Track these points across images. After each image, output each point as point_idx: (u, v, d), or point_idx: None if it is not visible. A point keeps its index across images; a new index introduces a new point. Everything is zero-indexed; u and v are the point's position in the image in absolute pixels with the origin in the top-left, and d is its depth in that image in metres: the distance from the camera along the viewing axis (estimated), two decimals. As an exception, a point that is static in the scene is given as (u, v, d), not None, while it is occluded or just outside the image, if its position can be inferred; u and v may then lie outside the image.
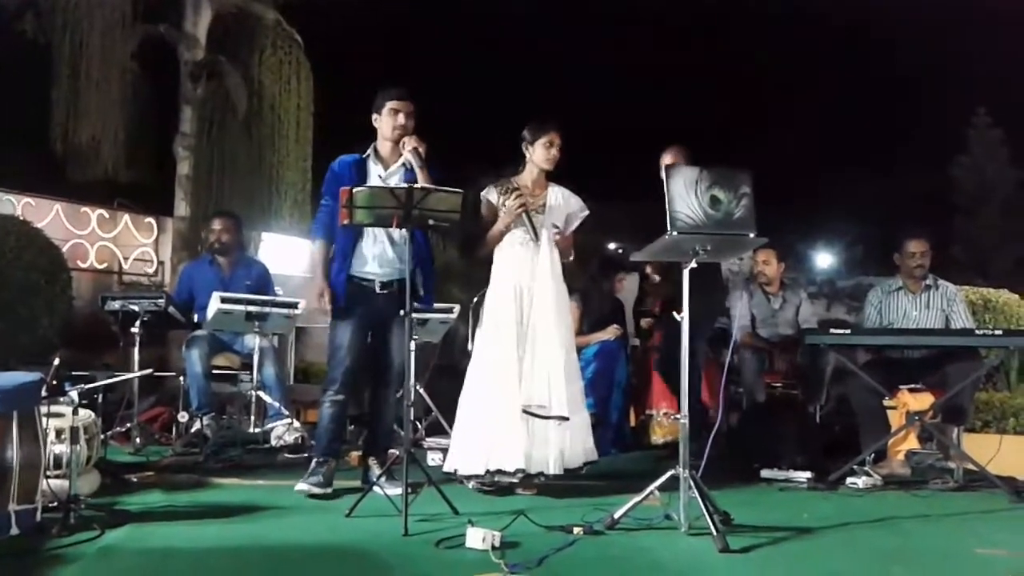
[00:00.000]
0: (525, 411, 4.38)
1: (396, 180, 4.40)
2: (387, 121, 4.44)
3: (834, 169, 21.35)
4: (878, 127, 21.69)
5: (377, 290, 4.43)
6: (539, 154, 4.59)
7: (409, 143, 4.34)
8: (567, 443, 4.42)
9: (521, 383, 4.43)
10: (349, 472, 4.71)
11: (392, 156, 4.48)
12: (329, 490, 4.28)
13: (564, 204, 4.70)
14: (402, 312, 4.03)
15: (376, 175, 4.44)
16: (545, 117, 4.66)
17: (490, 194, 4.65)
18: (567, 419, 4.40)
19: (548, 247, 4.58)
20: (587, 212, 4.76)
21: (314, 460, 4.40)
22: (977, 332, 5.25)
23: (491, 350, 4.53)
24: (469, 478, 4.46)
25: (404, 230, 4.00)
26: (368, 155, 4.49)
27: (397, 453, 3.98)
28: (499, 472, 4.37)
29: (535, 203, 4.64)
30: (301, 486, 4.24)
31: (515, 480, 4.40)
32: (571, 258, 4.76)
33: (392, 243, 4.42)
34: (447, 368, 4.79)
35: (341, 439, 4.63)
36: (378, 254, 4.43)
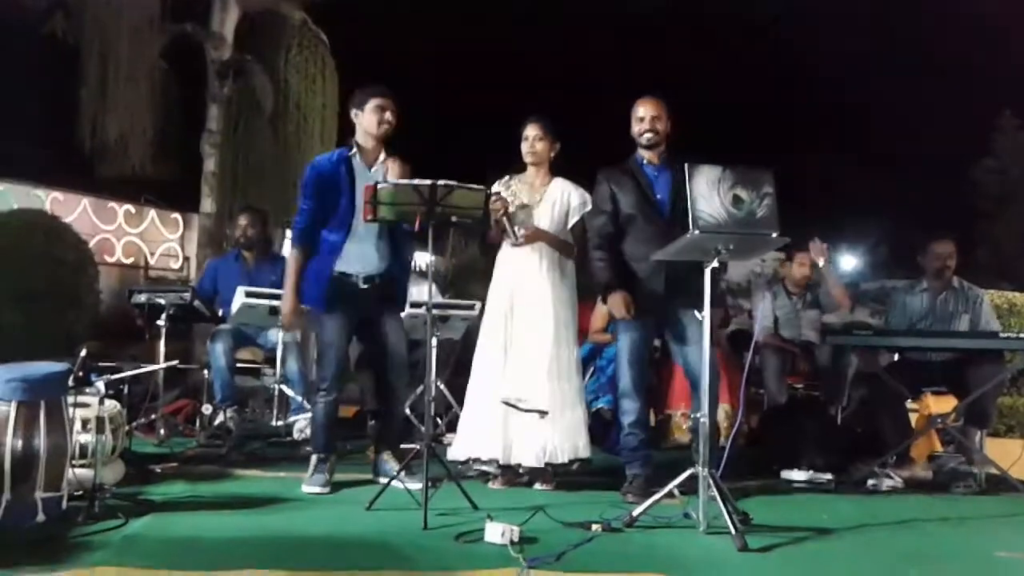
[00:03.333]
0: (504, 402, 4.45)
1: (379, 178, 4.41)
2: (372, 118, 4.44)
3: (858, 170, 21.20)
4: (903, 128, 21.50)
5: (361, 285, 4.45)
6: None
7: (393, 169, 4.37)
8: (550, 437, 4.44)
9: (505, 377, 4.51)
10: (368, 465, 4.74)
11: (374, 152, 4.50)
12: (328, 488, 4.31)
13: (563, 199, 4.69)
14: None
15: (362, 174, 4.45)
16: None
17: (498, 190, 4.66)
18: (546, 413, 4.43)
19: (537, 246, 4.61)
20: (591, 207, 4.70)
21: (315, 457, 4.43)
22: (1001, 335, 5.21)
23: (482, 345, 4.67)
24: (454, 463, 4.52)
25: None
26: (353, 152, 4.49)
27: (417, 447, 4.00)
28: (476, 460, 4.50)
29: (533, 197, 4.68)
30: (310, 488, 4.27)
31: (491, 470, 4.50)
32: (575, 254, 4.71)
33: (374, 238, 4.44)
34: (468, 364, 4.81)
35: (337, 434, 4.65)
36: (360, 250, 4.44)
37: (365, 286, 4.46)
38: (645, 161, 4.53)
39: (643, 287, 4.42)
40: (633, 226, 4.48)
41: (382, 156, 4.51)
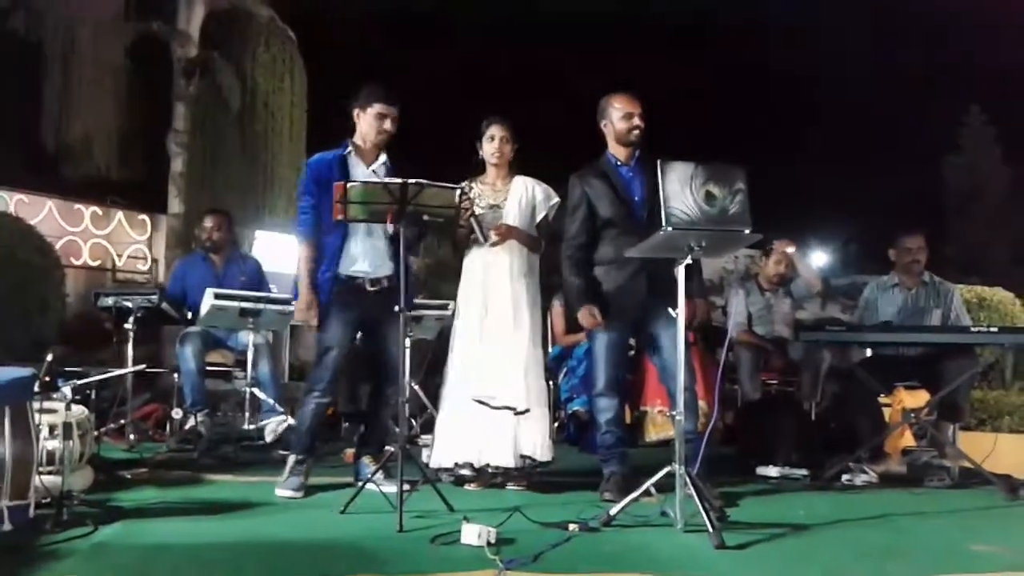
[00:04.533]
0: (475, 400, 4.44)
1: (379, 177, 4.37)
2: (372, 123, 4.39)
3: (826, 167, 21.39)
4: (871, 125, 21.70)
5: (368, 288, 4.40)
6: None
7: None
8: (523, 435, 4.44)
9: (476, 377, 4.50)
10: (343, 469, 4.70)
11: (372, 152, 4.45)
12: (303, 492, 4.24)
13: (528, 195, 4.67)
14: (396, 308, 4.00)
15: (359, 172, 4.39)
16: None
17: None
18: (523, 411, 4.42)
19: (508, 244, 4.58)
20: (556, 201, 4.69)
21: (293, 458, 4.34)
22: (972, 330, 5.25)
23: (456, 347, 4.64)
24: (439, 471, 4.51)
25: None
26: (349, 151, 4.44)
27: (392, 450, 3.96)
28: (457, 465, 4.49)
29: (498, 198, 4.65)
30: (283, 492, 4.19)
31: (467, 473, 4.48)
32: (540, 250, 4.70)
33: (382, 238, 4.38)
34: (442, 365, 4.79)
35: (319, 437, 4.59)
36: (367, 251, 4.40)
37: (372, 288, 4.40)
38: (619, 162, 4.49)
39: (621, 290, 4.40)
40: (610, 229, 4.43)
41: (383, 157, 4.44)
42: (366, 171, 4.40)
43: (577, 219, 4.48)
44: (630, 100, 4.47)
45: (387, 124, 4.39)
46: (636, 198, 4.41)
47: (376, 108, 4.39)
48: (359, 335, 4.60)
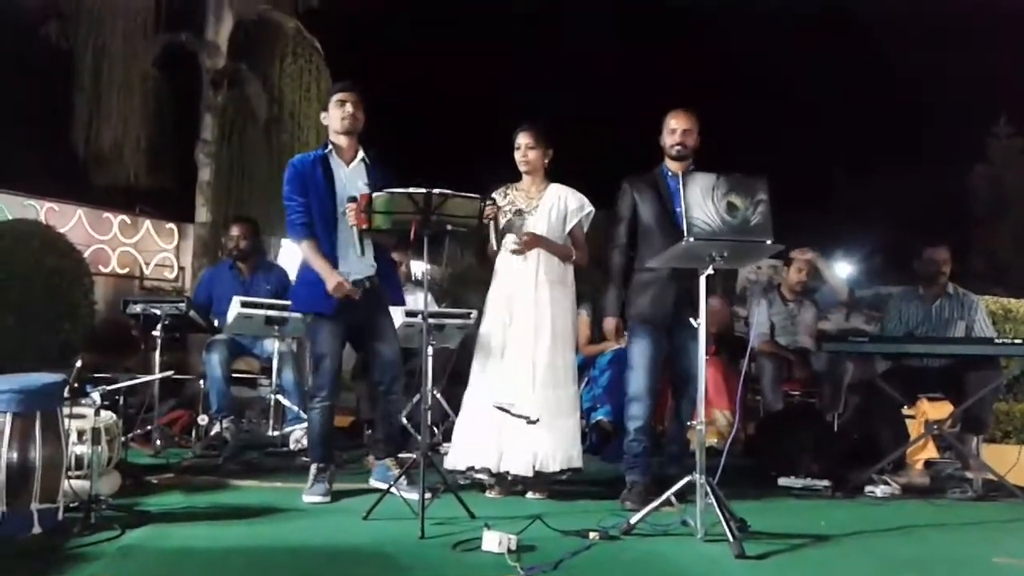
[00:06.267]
0: (497, 407, 4.45)
1: (358, 176, 4.44)
2: (334, 113, 4.46)
3: (852, 178, 21.23)
4: (897, 135, 21.52)
5: None
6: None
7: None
8: (541, 446, 4.44)
9: (499, 382, 4.52)
10: (366, 475, 4.73)
11: (349, 151, 4.50)
12: (329, 497, 4.29)
13: (560, 204, 4.68)
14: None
15: (341, 171, 4.45)
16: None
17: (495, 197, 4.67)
18: (534, 421, 4.41)
19: (535, 253, 4.60)
20: (590, 210, 4.71)
21: (315, 467, 4.40)
22: (997, 341, 5.22)
23: (479, 353, 4.67)
24: (453, 473, 4.53)
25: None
26: (329, 151, 4.48)
27: (414, 457, 3.99)
28: (471, 469, 4.50)
29: (530, 204, 4.68)
30: (311, 498, 4.25)
31: (484, 478, 4.49)
32: (573, 259, 4.70)
33: (356, 239, 4.40)
34: (464, 373, 4.81)
35: (335, 444, 4.63)
36: (347, 255, 4.42)
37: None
38: (670, 173, 4.58)
39: (657, 297, 4.51)
40: (651, 236, 4.54)
41: (360, 153, 4.50)
42: (345, 170, 4.45)
43: (623, 223, 4.65)
44: (677, 116, 4.61)
45: (348, 108, 4.43)
46: (678, 209, 4.46)
47: (335, 97, 4.48)
48: (349, 339, 4.62)
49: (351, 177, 4.44)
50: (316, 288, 4.34)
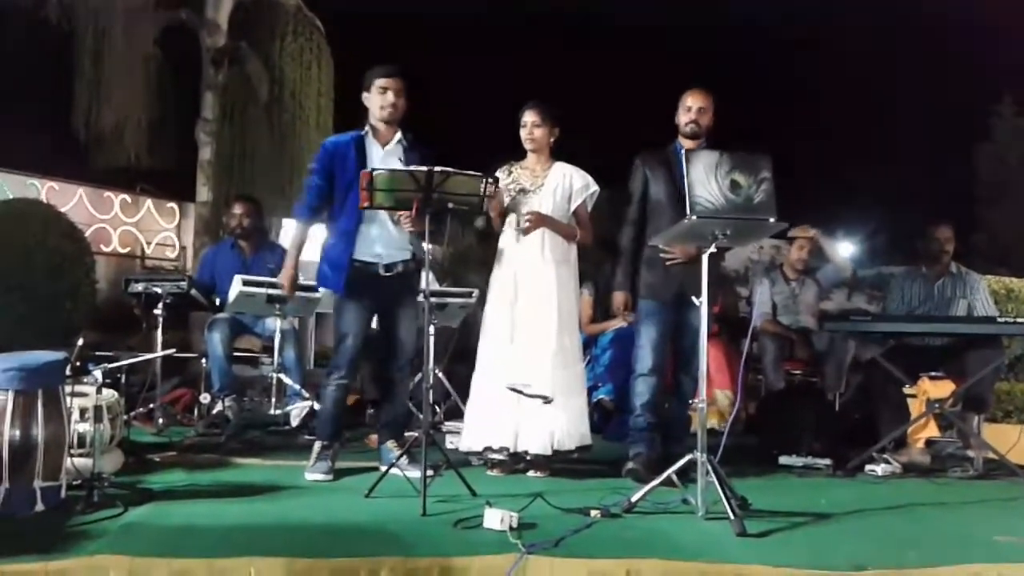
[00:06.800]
0: (510, 388, 4.45)
1: (395, 158, 4.39)
2: (376, 100, 4.40)
3: (854, 157, 21.17)
4: (900, 114, 21.43)
5: (381, 273, 4.41)
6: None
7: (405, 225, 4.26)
8: (558, 425, 4.45)
9: (511, 364, 4.51)
10: (368, 453, 4.74)
11: (387, 133, 4.45)
12: (332, 476, 4.31)
13: (564, 183, 4.67)
14: (417, 294, 4.00)
15: (375, 153, 4.41)
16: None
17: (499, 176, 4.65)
18: (549, 400, 4.42)
19: (539, 232, 4.59)
20: (594, 189, 4.69)
21: (319, 444, 4.40)
22: (999, 320, 5.21)
23: (486, 333, 4.65)
24: (469, 455, 4.55)
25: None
26: (366, 132, 4.44)
27: (416, 435, 4.00)
28: (488, 449, 4.50)
29: (535, 183, 4.66)
30: (313, 476, 4.27)
31: (502, 458, 4.49)
32: (577, 238, 4.68)
33: (395, 223, 4.39)
34: (466, 352, 4.81)
35: (344, 423, 4.63)
36: (382, 235, 4.40)
37: (387, 274, 4.41)
38: (683, 151, 4.56)
39: (665, 274, 4.56)
40: (661, 213, 4.57)
41: (398, 135, 4.45)
42: (380, 152, 4.42)
43: (634, 200, 4.72)
44: (694, 94, 4.66)
45: (390, 96, 4.37)
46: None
47: (377, 83, 4.40)
48: (375, 320, 4.63)
49: (386, 159, 4.38)
50: (339, 270, 4.35)
